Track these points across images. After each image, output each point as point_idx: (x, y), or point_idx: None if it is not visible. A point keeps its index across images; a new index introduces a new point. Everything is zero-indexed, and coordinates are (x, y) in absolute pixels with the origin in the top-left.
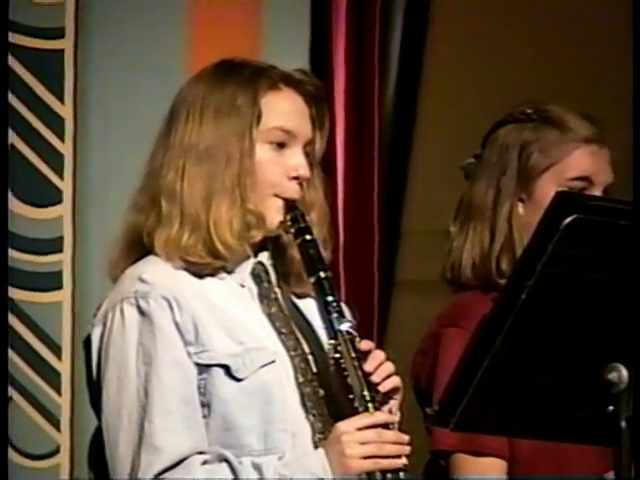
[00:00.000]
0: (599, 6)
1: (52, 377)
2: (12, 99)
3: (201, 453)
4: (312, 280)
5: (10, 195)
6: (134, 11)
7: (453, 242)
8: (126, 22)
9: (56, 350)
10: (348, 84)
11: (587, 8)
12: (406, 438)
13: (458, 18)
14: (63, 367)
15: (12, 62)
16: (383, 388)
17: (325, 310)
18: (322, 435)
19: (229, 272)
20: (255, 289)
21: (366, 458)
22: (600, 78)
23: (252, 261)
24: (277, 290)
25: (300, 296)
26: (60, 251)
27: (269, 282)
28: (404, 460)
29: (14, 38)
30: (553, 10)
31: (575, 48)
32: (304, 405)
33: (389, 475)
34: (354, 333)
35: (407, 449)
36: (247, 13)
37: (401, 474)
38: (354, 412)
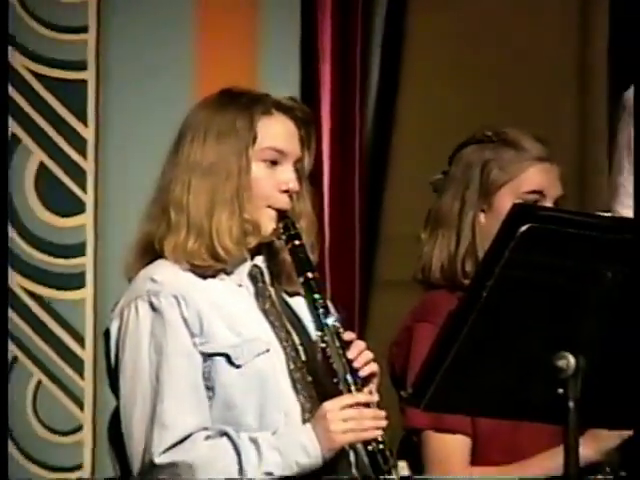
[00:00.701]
0: (550, 46)
1: (76, 364)
2: (41, 123)
3: (205, 429)
4: (301, 280)
5: (40, 205)
6: (148, 47)
7: (423, 247)
8: (141, 57)
9: (80, 340)
10: (333, 109)
11: (538, 47)
12: (383, 415)
13: (431, 51)
14: (86, 355)
15: (42, 91)
16: (363, 373)
17: (313, 306)
18: (310, 414)
19: (228, 273)
20: (252, 288)
21: (348, 432)
22: (551, 107)
23: (249, 264)
24: (271, 289)
25: (291, 294)
26: (83, 255)
27: (264, 282)
28: (381, 432)
29: (44, 70)
30: (513, 48)
31: (529, 81)
32: (295, 388)
33: (369, 447)
34: (338, 326)
35: (384, 424)
36: (245, 50)
37: (380, 446)
38: (338, 393)
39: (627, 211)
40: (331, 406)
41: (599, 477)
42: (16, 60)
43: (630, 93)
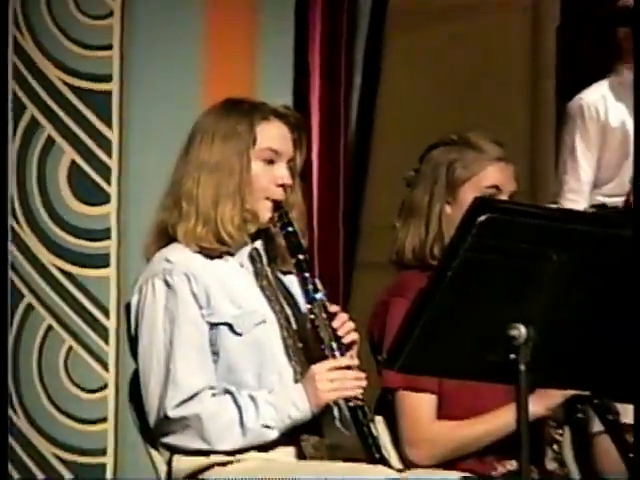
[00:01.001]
0: (504, 71)
1: (102, 332)
2: (73, 126)
3: (211, 388)
4: (293, 261)
5: (72, 197)
6: (163, 62)
7: (397, 234)
8: (157, 71)
9: (105, 312)
10: (321, 116)
11: (496, 66)
12: (363, 376)
13: (405, 65)
14: (110, 324)
15: (74, 99)
16: (346, 340)
17: (303, 283)
18: (301, 375)
19: (231, 255)
20: (251, 268)
21: (333, 391)
22: (507, 115)
23: (249, 247)
24: (267, 269)
25: (285, 273)
26: (108, 239)
27: (261, 263)
28: (361, 391)
29: (76, 82)
30: (476, 64)
31: (489, 93)
32: (287, 353)
33: (351, 403)
34: (325, 300)
35: (364, 384)
36: (246, 63)
37: (360, 402)
38: (324, 358)
39: (570, 203)
40: (318, 368)
41: (551, 426)
42: (51, 73)
43: (573, 103)
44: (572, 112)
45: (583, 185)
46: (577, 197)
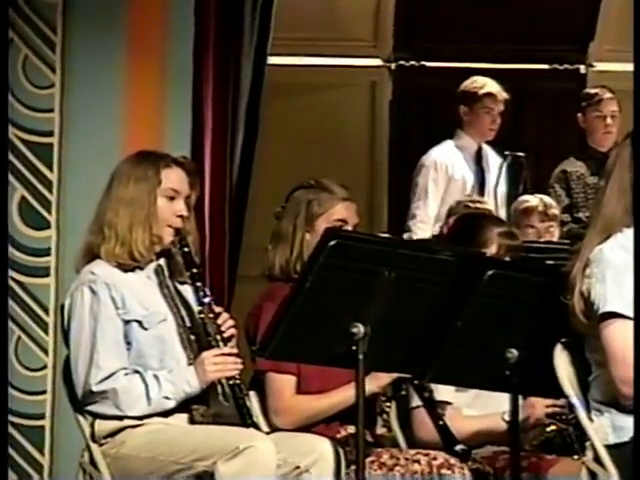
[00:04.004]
0: (349, 132)
1: (43, 326)
2: (24, 171)
3: (124, 369)
4: (188, 274)
5: (21, 223)
6: (93, 121)
7: (269, 254)
8: (88, 127)
9: (46, 310)
10: (212, 162)
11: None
12: (240, 361)
13: (278, 128)
14: (50, 320)
15: (25, 150)
16: (227, 334)
17: (195, 290)
18: (193, 360)
19: (141, 269)
20: (156, 279)
21: (217, 372)
22: (351, 166)
23: (155, 263)
24: (168, 281)
25: (182, 283)
26: (49, 255)
27: (164, 275)
28: (238, 372)
29: (26, 136)
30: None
31: (338, 151)
32: (183, 344)
33: (230, 382)
34: (212, 303)
35: (240, 367)
36: (155, 123)
37: (237, 381)
38: (211, 347)
39: (420, 231)
40: (206, 355)
41: (381, 400)
42: (10, 131)
43: (427, 157)
44: (427, 163)
45: (430, 219)
46: (425, 227)
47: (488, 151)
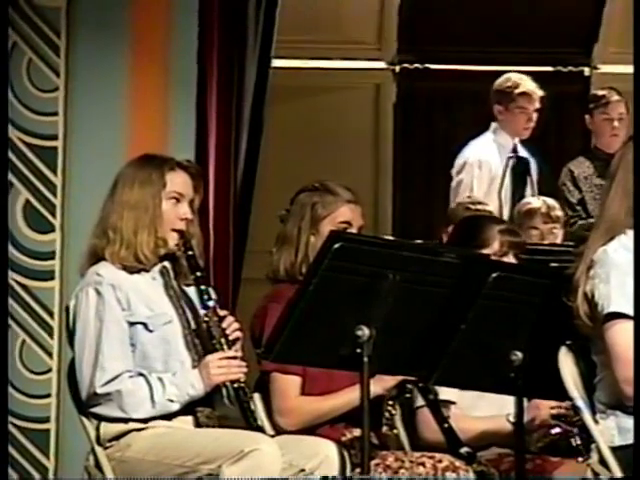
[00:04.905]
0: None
1: (48, 329)
2: (28, 174)
3: (129, 371)
4: (193, 277)
5: (26, 227)
6: (98, 125)
7: (274, 257)
8: (92, 131)
9: (50, 314)
10: (217, 166)
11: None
12: (244, 364)
13: (280, 130)
14: (54, 323)
15: (30, 154)
16: (232, 337)
17: (200, 293)
18: (198, 363)
19: (147, 271)
20: (161, 281)
21: (221, 375)
22: (355, 169)
23: (160, 265)
24: (174, 282)
25: (187, 285)
26: (53, 259)
27: (169, 277)
28: (243, 376)
29: (29, 140)
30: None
31: (340, 153)
32: (187, 346)
33: (235, 385)
34: (216, 306)
35: (245, 370)
36: (159, 127)
37: (242, 384)
38: (215, 350)
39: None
40: (211, 358)
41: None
42: (12, 133)
43: (468, 156)
44: (470, 161)
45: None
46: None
47: (522, 151)
